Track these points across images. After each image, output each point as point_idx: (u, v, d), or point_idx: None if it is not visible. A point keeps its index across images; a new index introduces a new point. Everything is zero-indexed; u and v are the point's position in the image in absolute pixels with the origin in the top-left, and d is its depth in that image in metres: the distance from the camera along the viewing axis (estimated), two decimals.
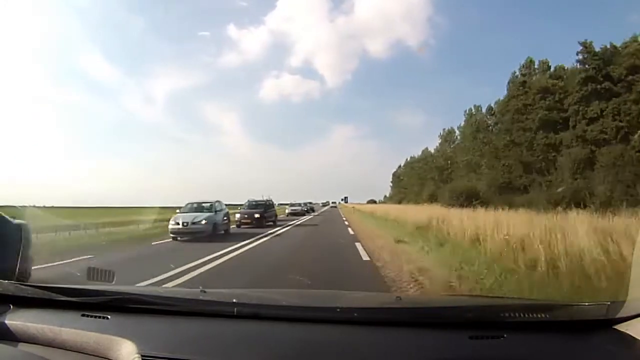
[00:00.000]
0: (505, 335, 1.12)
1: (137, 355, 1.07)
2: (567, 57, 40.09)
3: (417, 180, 57.24)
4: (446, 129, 53.16)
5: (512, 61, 61.05)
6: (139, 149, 76.55)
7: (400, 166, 72.85)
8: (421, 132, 79.08)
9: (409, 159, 68.06)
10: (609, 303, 1.18)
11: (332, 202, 74.72)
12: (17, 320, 1.34)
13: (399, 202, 52.43)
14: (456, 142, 50.12)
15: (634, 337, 1.07)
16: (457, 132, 50.14)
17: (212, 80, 79.40)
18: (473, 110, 45.14)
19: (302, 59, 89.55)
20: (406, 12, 78.74)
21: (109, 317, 1.34)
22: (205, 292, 1.74)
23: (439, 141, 54.23)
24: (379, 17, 74.99)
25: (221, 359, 1.11)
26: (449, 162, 49.00)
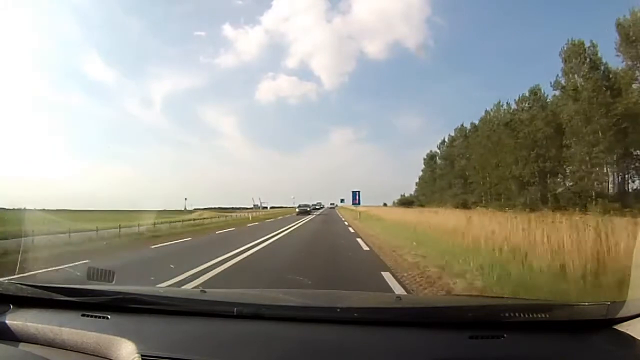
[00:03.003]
0: (505, 335, 1.12)
1: (137, 355, 1.08)
2: None
3: (523, 152, 27.89)
4: (571, 40, 26.92)
5: (511, 63, 60.78)
6: (135, 151, 75.79)
7: (444, 141, 43.84)
8: (426, 133, 77.79)
9: (452, 134, 41.48)
10: (609, 303, 1.18)
11: (331, 204, 67.37)
12: (17, 320, 1.34)
13: (465, 205, 29.47)
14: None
15: (634, 337, 1.07)
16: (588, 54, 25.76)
17: (209, 82, 78.67)
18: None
19: (299, 60, 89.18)
20: (404, 12, 78.24)
21: (109, 317, 1.34)
22: (205, 292, 1.74)
23: (563, 70, 27.05)
24: (377, 17, 74.96)
25: (221, 359, 1.11)
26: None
